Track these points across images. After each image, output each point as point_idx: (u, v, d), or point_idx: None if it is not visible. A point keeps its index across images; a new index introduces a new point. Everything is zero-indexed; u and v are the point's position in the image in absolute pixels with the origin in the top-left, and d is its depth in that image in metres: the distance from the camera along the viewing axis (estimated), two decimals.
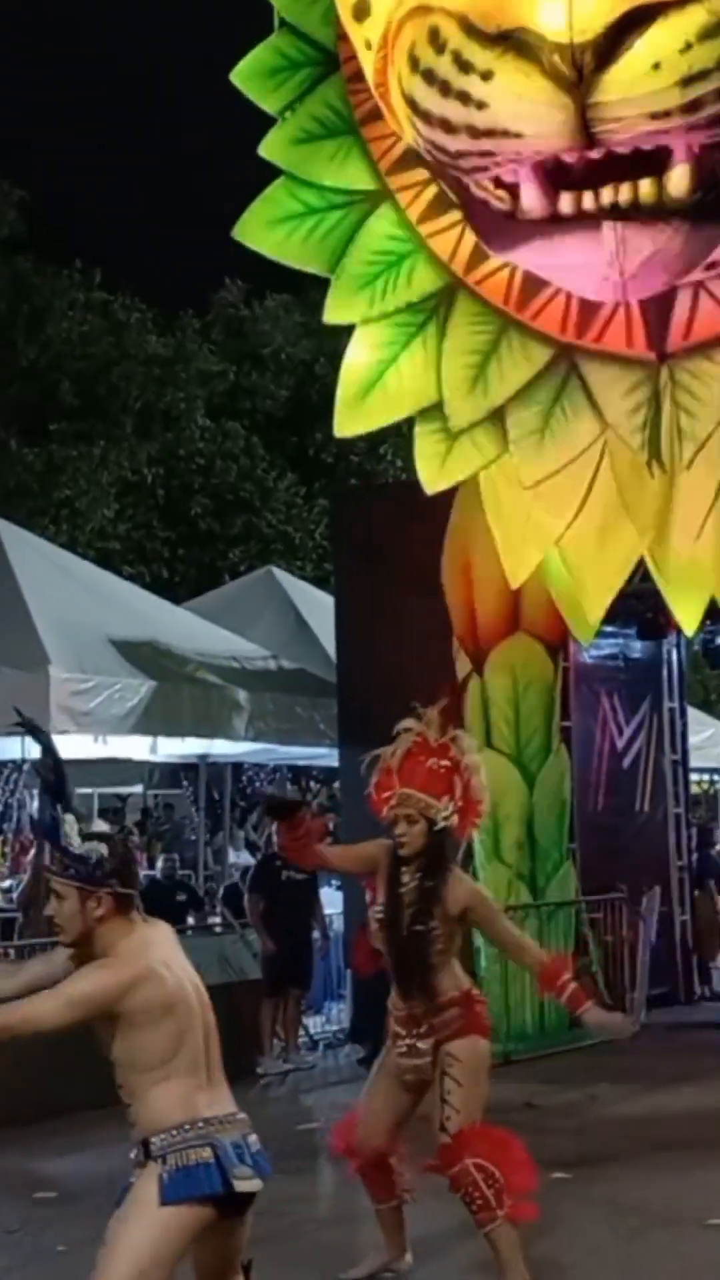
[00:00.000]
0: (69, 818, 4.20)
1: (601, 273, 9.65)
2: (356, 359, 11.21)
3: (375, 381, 11.07)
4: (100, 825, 13.18)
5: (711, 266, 9.88)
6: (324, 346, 21.46)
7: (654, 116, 8.63)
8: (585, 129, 8.69)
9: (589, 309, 10.31)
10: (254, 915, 11.91)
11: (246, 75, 10.99)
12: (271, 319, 23.75)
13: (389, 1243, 6.25)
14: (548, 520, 10.72)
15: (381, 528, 12.84)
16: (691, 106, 8.59)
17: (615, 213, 9.19)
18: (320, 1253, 6.73)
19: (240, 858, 15.45)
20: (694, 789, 17.92)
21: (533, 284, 10.34)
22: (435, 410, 10.91)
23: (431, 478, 10.95)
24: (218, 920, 12.96)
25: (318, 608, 15.25)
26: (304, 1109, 10.62)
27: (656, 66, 8.46)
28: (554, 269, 10.00)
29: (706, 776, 20.93)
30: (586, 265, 9.76)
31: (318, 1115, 10.05)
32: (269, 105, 10.98)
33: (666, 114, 8.64)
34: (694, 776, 17.28)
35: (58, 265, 22.17)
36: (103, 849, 4.07)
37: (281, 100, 11.00)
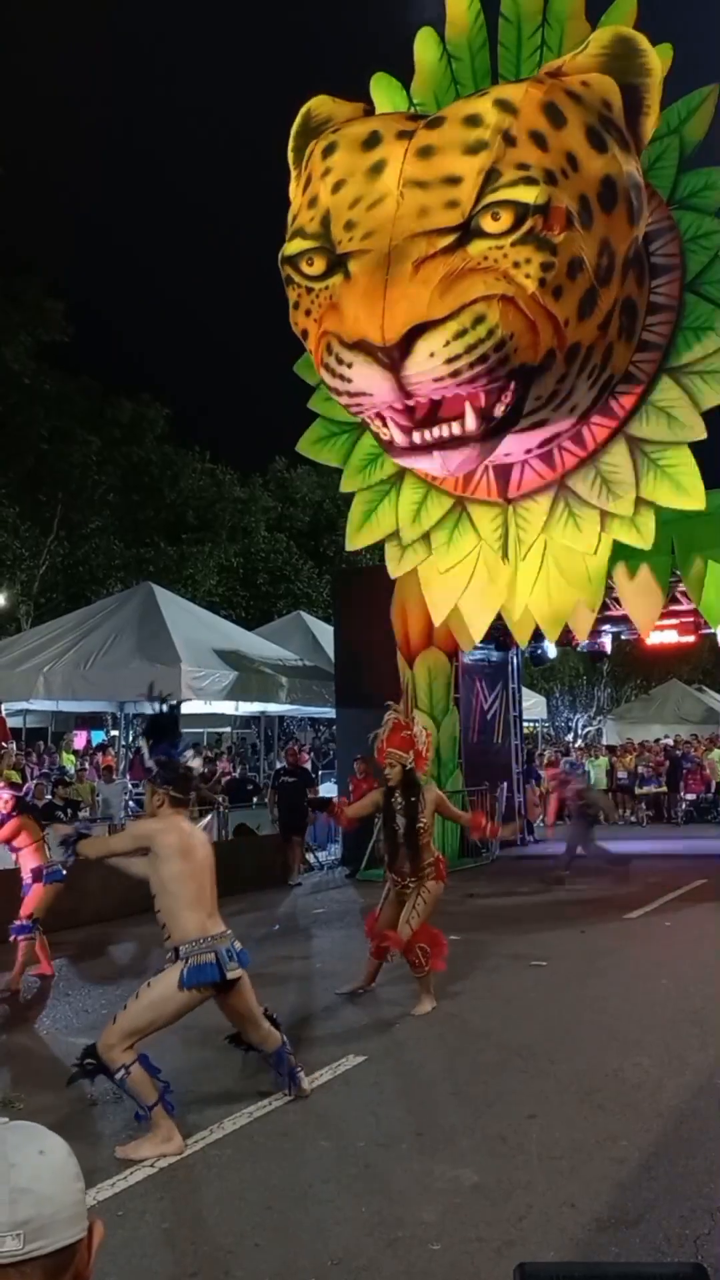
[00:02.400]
0: (144, 744, 5.87)
1: (438, 467, 12.18)
2: (355, 510, 14.99)
3: (365, 521, 14.93)
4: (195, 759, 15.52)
5: (529, 451, 13.14)
6: (329, 494, 31.47)
7: (435, 381, 10.72)
8: (402, 390, 10.81)
9: (469, 478, 13.70)
10: (270, 799, 16.39)
11: (302, 367, 14.50)
12: (300, 478, 33.30)
13: (367, 976, 8.52)
14: (453, 590, 14.49)
15: (358, 592, 18.24)
16: (453, 375, 10.63)
17: (437, 443, 11.53)
18: (324, 979, 8.91)
19: (281, 766, 18.75)
20: (525, 730, 22.53)
21: None
22: (395, 535, 14.70)
23: (393, 569, 14.99)
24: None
25: (324, 634, 20.82)
26: (316, 900, 14.09)
27: (432, 355, 10.52)
28: (416, 467, 13.06)
29: (530, 723, 26.77)
30: (429, 468, 12.67)
31: (322, 904, 13.60)
32: (312, 380, 14.43)
33: (440, 380, 10.67)
34: (525, 723, 22.13)
35: (187, 447, 31.07)
36: (162, 770, 5.58)
37: (316, 379, 13.66)
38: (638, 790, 24.78)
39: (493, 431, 11.69)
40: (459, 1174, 4.98)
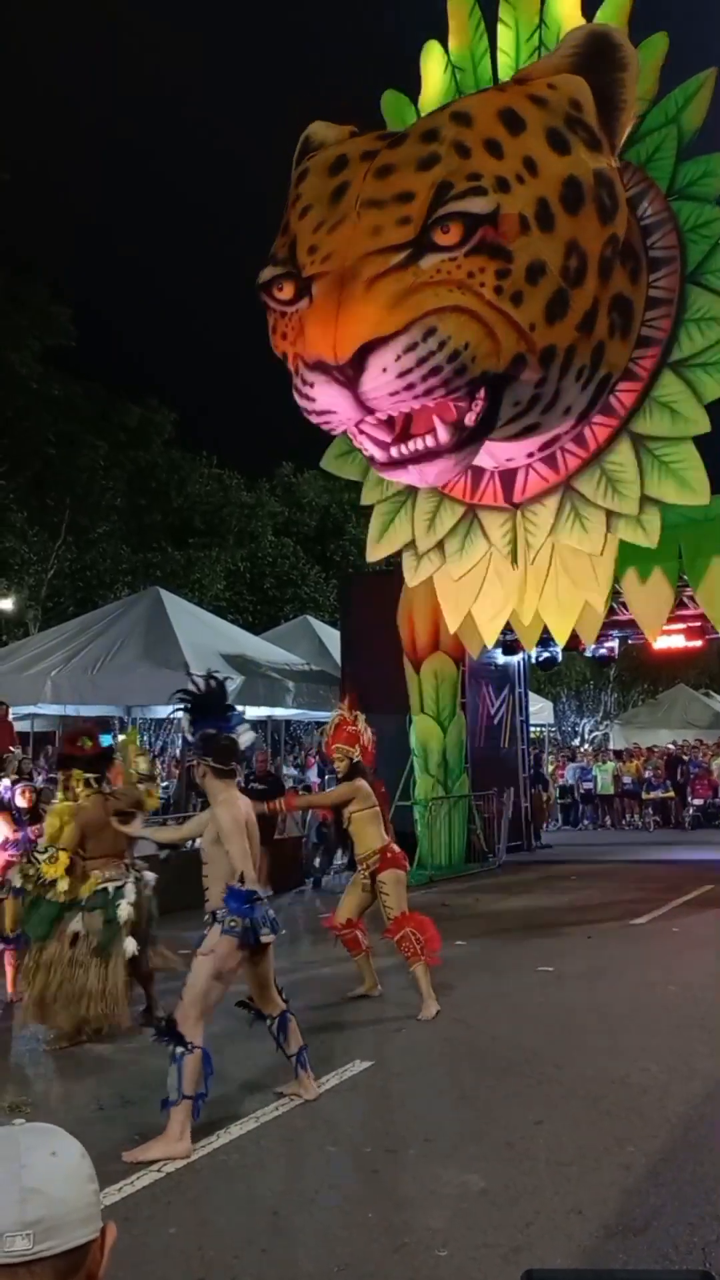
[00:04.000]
0: (184, 719, 6.05)
1: (416, 479, 12.39)
2: (374, 522, 15.30)
3: (383, 532, 15.26)
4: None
5: (531, 455, 13.27)
6: (335, 498, 31.61)
7: (391, 395, 10.82)
8: (362, 407, 10.97)
9: (477, 485, 13.96)
10: None
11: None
12: (307, 482, 33.66)
13: (367, 978, 8.66)
14: (466, 597, 14.78)
15: (365, 596, 18.61)
16: (408, 389, 10.72)
17: (412, 457, 11.65)
18: (330, 984, 9.03)
19: (288, 770, 20.28)
20: (532, 735, 22.58)
21: None
22: (411, 544, 14.96)
23: (410, 579, 15.16)
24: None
25: (331, 638, 21.02)
26: (323, 904, 13.32)
27: (384, 370, 10.65)
28: (398, 480, 12.98)
29: (537, 728, 26.76)
30: (409, 481, 12.66)
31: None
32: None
33: (395, 394, 10.79)
34: (532, 728, 22.12)
35: (193, 452, 31.28)
36: (202, 743, 5.93)
37: None
38: (645, 795, 24.78)
39: (467, 440, 11.63)
40: (466, 1180, 4.97)
